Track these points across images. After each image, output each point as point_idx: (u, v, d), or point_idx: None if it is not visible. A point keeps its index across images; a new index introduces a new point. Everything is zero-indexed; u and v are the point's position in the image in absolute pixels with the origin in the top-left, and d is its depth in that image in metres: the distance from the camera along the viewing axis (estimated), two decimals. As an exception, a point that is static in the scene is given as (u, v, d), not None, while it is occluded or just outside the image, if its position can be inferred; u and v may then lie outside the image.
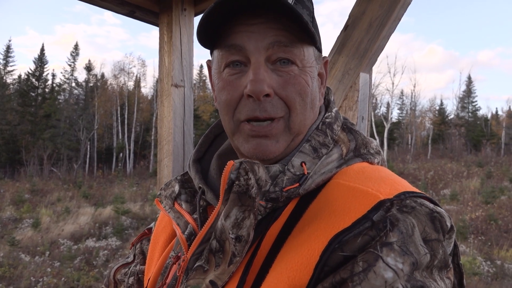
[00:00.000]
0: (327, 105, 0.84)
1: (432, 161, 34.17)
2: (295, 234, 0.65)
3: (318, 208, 0.66)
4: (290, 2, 0.68)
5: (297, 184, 0.68)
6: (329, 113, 0.79)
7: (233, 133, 0.74)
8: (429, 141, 42.89)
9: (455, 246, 0.69)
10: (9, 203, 21.37)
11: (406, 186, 0.68)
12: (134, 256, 1.01)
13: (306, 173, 0.69)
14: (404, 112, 53.00)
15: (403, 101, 52.54)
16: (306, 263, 0.60)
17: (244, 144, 0.72)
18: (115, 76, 46.50)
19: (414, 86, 44.41)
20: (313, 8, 0.76)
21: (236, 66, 0.71)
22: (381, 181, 0.68)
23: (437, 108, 53.41)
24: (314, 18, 0.76)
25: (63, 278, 10.33)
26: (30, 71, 47.62)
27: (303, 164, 0.70)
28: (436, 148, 44.03)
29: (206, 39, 0.73)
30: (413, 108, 47.78)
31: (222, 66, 0.73)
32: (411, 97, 47.19)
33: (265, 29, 0.68)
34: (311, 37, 0.69)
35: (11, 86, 49.16)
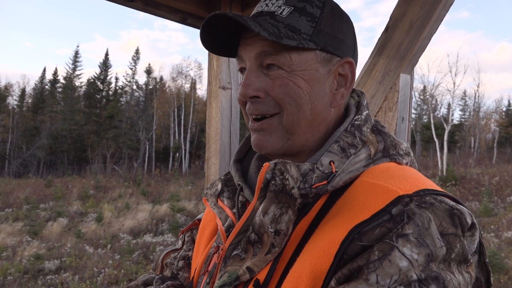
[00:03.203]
0: (358, 107, 0.87)
1: (497, 166, 31.94)
2: (321, 226, 0.71)
3: (343, 204, 0.71)
4: (285, 13, 0.76)
5: (325, 181, 0.73)
6: (359, 116, 0.82)
7: (248, 127, 0.84)
8: (495, 145, 40.16)
9: (481, 244, 0.71)
10: (76, 198, 22.92)
11: (428, 184, 0.71)
12: (183, 242, 1.08)
13: (334, 171, 0.74)
14: (467, 113, 50.15)
15: (465, 102, 49.75)
16: (327, 251, 0.65)
17: (251, 138, 0.82)
18: (173, 79, 48.29)
19: (478, 86, 41.82)
20: (321, 13, 0.78)
21: (244, 71, 0.82)
22: (403, 179, 0.71)
23: (504, 109, 49.96)
24: (322, 22, 0.77)
25: (122, 270, 10.89)
26: (95, 75, 50.77)
27: (332, 163, 0.75)
28: (503, 152, 41.12)
29: (223, 52, 0.86)
30: (477, 109, 45.03)
31: (238, 71, 0.85)
32: (475, 98, 44.54)
33: (255, 41, 0.77)
34: (290, 46, 0.74)
35: (79, 89, 52.70)
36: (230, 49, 0.85)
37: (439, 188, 0.71)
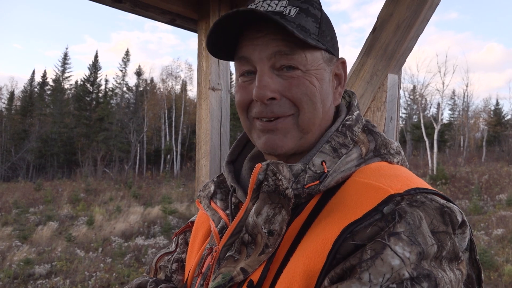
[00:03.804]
0: (349, 107, 0.88)
1: (486, 164, 32.35)
2: (314, 226, 0.71)
3: (335, 203, 0.72)
4: (292, 13, 0.75)
5: (318, 181, 0.74)
6: (350, 116, 0.83)
7: (250, 130, 0.83)
8: (484, 143, 40.66)
9: (471, 241, 0.71)
10: (67, 202, 22.69)
11: (419, 183, 0.72)
12: (177, 245, 1.08)
13: (326, 171, 0.75)
14: (456, 113, 50.77)
15: (454, 101, 50.35)
16: (320, 251, 0.66)
17: (258, 140, 0.80)
18: (163, 81, 48.10)
19: (467, 86, 42.19)
20: (321, 14, 0.80)
21: (248, 74, 0.80)
22: (395, 178, 0.72)
23: (492, 108, 50.63)
24: (323, 23, 0.80)
25: (114, 274, 10.81)
26: (85, 77, 50.36)
27: (323, 163, 0.76)
28: (491, 151, 41.67)
29: (226, 53, 0.84)
30: (466, 108, 45.56)
31: (238, 75, 0.83)
32: (464, 97, 45.04)
33: (267, 41, 0.75)
34: (311, 45, 0.75)
35: (68, 91, 52.26)
36: (228, 52, 0.83)
37: (429, 187, 0.72)
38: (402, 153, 0.86)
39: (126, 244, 14.09)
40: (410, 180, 0.72)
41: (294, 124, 0.77)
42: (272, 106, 0.76)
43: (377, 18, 1.63)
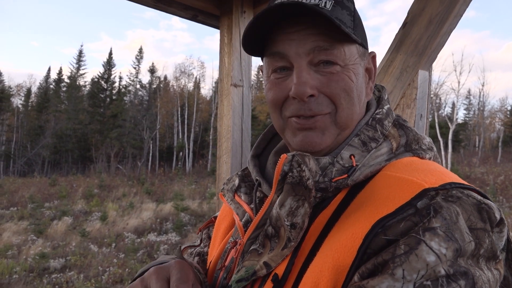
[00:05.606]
0: (379, 102, 0.86)
1: (502, 165, 31.80)
2: (342, 220, 0.69)
3: (365, 197, 0.69)
4: (328, 6, 0.72)
5: (346, 175, 0.72)
6: (380, 110, 0.81)
7: (283, 129, 0.80)
8: (500, 144, 40.02)
9: (509, 241, 0.69)
10: (81, 197, 22.98)
11: (454, 178, 0.69)
12: (201, 240, 1.09)
13: (354, 165, 0.73)
14: (471, 112, 50.05)
15: (470, 101, 49.63)
16: (350, 245, 0.63)
17: (293, 138, 0.78)
18: (176, 78, 48.35)
19: (483, 85, 41.52)
20: (354, 7, 0.78)
21: (282, 70, 0.77)
22: (428, 172, 0.70)
23: (509, 108, 49.79)
24: (356, 16, 0.78)
25: (127, 269, 10.89)
26: (99, 74, 50.92)
27: (352, 156, 0.74)
28: (507, 151, 40.95)
29: (253, 49, 0.81)
30: (481, 108, 44.83)
31: (269, 71, 0.79)
32: (479, 97, 44.32)
33: (304, 35, 0.73)
34: (350, 38, 0.73)
35: (83, 88, 52.92)
36: (257, 48, 0.81)
37: (465, 182, 0.69)
38: (435, 149, 0.83)
39: (138, 240, 14.20)
40: (445, 174, 0.69)
41: (332, 122, 0.76)
42: (310, 104, 0.74)
43: (408, 13, 1.58)
